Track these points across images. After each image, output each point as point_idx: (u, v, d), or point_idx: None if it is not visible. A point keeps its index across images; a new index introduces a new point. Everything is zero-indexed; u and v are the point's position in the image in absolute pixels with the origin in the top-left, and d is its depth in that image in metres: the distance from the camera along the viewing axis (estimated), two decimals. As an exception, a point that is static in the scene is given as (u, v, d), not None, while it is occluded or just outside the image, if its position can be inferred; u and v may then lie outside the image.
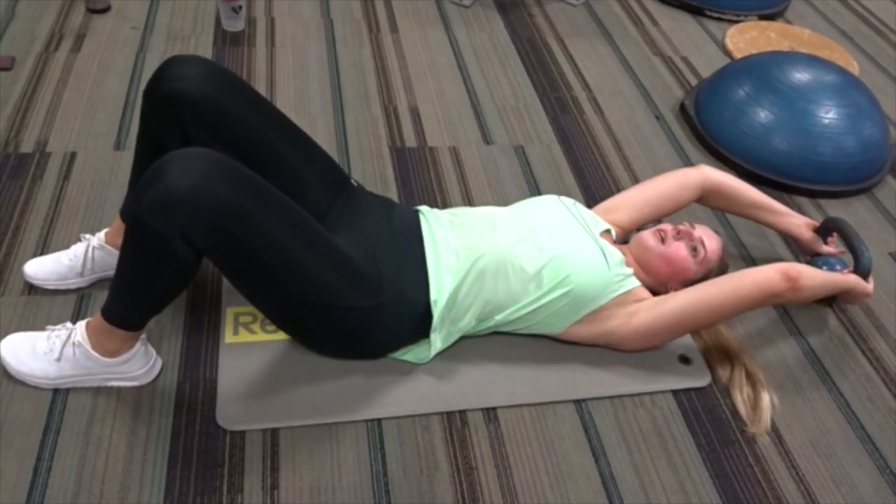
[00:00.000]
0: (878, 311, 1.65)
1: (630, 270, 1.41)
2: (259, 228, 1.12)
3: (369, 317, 1.26)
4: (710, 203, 1.64)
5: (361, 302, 1.24)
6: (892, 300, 1.68)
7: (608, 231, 1.49)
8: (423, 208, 1.45)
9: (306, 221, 1.19)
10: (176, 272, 1.15)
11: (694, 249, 1.42)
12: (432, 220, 1.41)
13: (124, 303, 1.19)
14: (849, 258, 1.58)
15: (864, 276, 1.51)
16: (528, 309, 1.35)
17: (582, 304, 1.35)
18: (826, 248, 1.63)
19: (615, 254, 1.39)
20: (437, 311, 1.30)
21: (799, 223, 1.64)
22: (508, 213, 1.45)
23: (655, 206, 1.57)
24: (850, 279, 1.47)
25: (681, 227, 1.44)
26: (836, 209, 1.93)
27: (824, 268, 1.53)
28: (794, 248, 1.77)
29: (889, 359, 1.55)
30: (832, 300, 1.56)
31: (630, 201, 1.56)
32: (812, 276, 1.38)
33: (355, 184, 1.45)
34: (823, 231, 1.63)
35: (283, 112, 1.36)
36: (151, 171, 1.08)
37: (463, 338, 1.40)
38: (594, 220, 1.47)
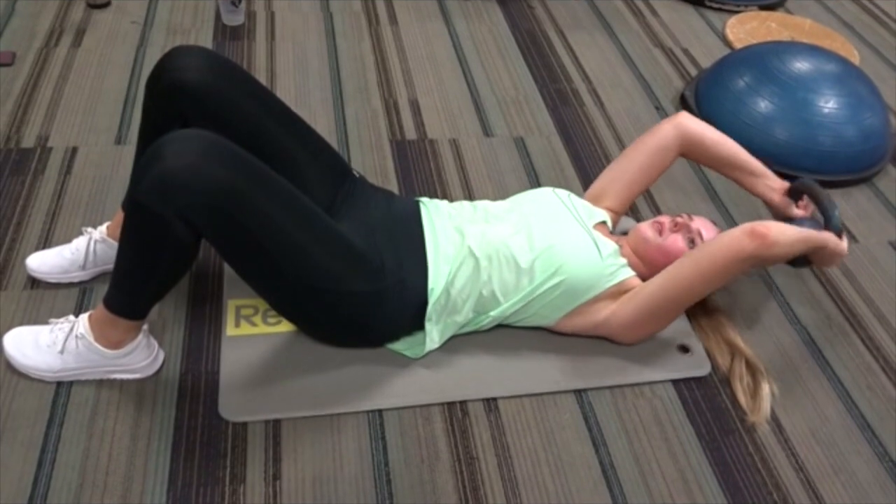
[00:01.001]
0: (879, 300, 1.65)
1: (624, 261, 1.41)
2: (256, 209, 1.12)
3: (370, 302, 1.27)
4: (686, 156, 1.58)
5: (362, 287, 1.25)
6: (892, 289, 1.68)
7: (604, 222, 1.49)
8: (424, 199, 1.46)
9: (305, 205, 1.19)
10: (176, 254, 1.16)
11: (692, 241, 1.42)
12: (433, 211, 1.41)
13: (126, 290, 1.20)
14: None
15: (837, 236, 1.44)
16: (523, 302, 1.35)
17: (575, 294, 1.35)
18: (797, 212, 1.55)
19: (608, 245, 1.39)
20: (432, 300, 1.30)
21: (774, 187, 1.56)
22: (503, 205, 1.46)
23: (641, 182, 1.55)
24: (823, 235, 1.40)
25: (678, 220, 1.44)
26: (837, 198, 1.93)
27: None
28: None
29: (889, 347, 1.55)
30: (808, 262, 1.47)
31: (614, 185, 1.55)
32: (783, 231, 1.32)
33: (357, 175, 1.46)
34: (794, 194, 1.57)
35: (284, 104, 1.37)
36: (149, 153, 1.09)
37: (461, 333, 1.40)
38: (588, 212, 1.47)
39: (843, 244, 1.44)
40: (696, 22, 2.64)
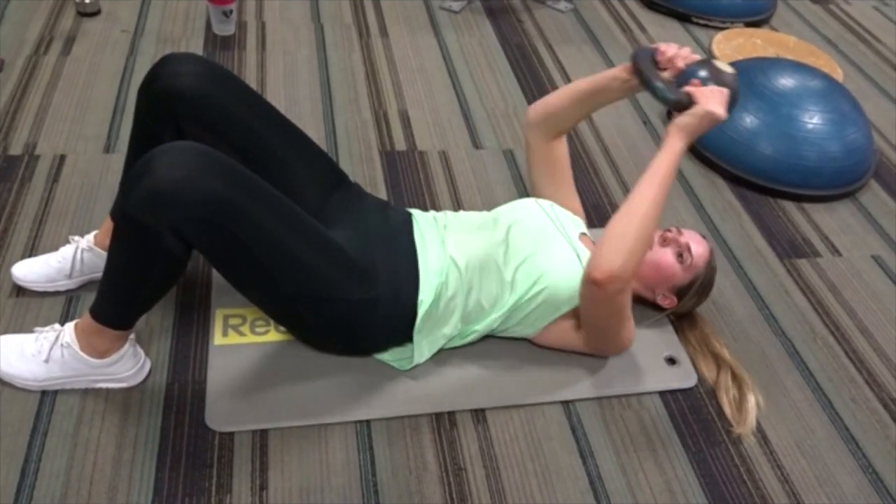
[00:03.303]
0: (862, 313, 1.67)
1: None
2: (249, 220, 1.12)
3: (362, 310, 1.27)
4: (559, 133, 1.50)
5: (355, 294, 1.25)
6: (875, 303, 1.71)
7: (586, 234, 1.50)
8: (415, 211, 1.46)
9: (298, 214, 1.19)
10: (166, 267, 1.16)
11: (680, 255, 1.43)
12: (423, 223, 1.42)
13: (114, 300, 1.19)
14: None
15: (681, 105, 1.24)
16: (508, 312, 1.36)
17: (556, 305, 1.35)
18: (664, 76, 1.31)
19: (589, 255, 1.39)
20: (421, 312, 1.30)
21: (626, 77, 1.35)
22: (488, 216, 1.47)
23: (561, 184, 1.54)
24: (676, 138, 1.24)
25: (667, 234, 1.45)
26: (821, 213, 1.96)
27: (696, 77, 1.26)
28: (771, 240, 1.80)
29: (872, 360, 1.57)
30: (686, 107, 1.24)
31: (544, 192, 1.56)
32: (617, 253, 1.18)
33: (353, 182, 1.46)
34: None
35: (274, 114, 1.37)
36: (140, 165, 1.08)
37: (449, 347, 1.40)
38: (572, 222, 1.48)
39: (704, 104, 1.22)
40: (683, 38, 2.67)
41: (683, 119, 1.24)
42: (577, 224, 1.49)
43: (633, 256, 1.21)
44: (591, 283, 1.22)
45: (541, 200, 1.50)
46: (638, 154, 2.06)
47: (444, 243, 1.37)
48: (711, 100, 1.23)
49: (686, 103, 1.24)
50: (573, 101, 1.46)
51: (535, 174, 1.57)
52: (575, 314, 1.38)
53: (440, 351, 1.40)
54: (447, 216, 1.46)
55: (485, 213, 1.50)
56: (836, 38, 2.82)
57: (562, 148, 1.54)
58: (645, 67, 1.29)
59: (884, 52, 2.78)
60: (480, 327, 1.38)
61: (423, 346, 1.35)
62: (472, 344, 1.43)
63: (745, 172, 2.00)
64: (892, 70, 2.67)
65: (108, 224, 1.40)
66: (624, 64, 1.36)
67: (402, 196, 1.80)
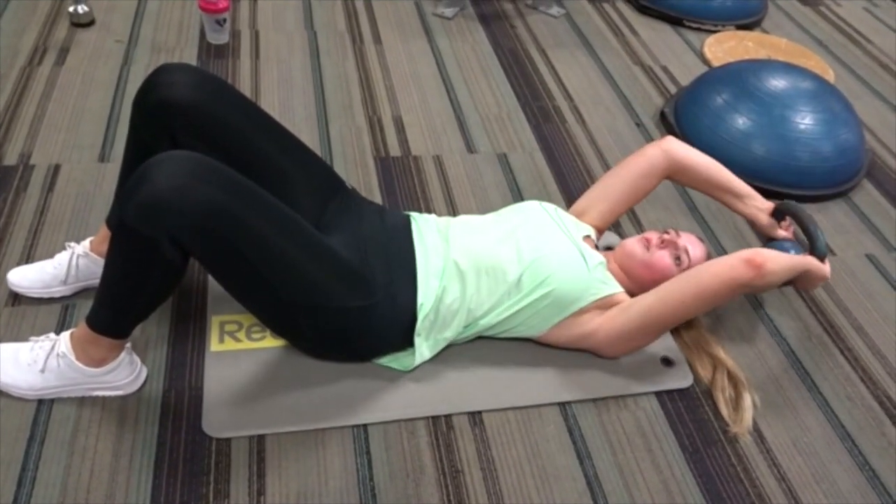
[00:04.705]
0: (856, 311, 1.68)
1: (610, 275, 1.42)
2: (246, 228, 1.12)
3: (360, 318, 1.27)
4: (672, 179, 1.60)
5: (352, 302, 1.25)
6: (869, 300, 1.71)
7: (589, 236, 1.51)
8: (414, 214, 1.47)
9: (295, 222, 1.19)
10: (164, 275, 1.16)
11: (678, 258, 1.43)
12: (423, 225, 1.42)
13: (111, 309, 1.19)
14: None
15: (820, 260, 1.46)
16: (511, 311, 1.36)
17: (563, 306, 1.36)
18: (781, 233, 1.58)
19: (595, 257, 1.40)
20: (421, 315, 1.31)
21: (760, 207, 1.59)
22: (491, 218, 1.47)
23: (625, 203, 1.57)
24: (808, 260, 1.42)
25: (665, 237, 1.46)
26: (814, 213, 1.95)
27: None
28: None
29: (867, 357, 1.57)
30: (789, 283, 1.47)
31: (599, 204, 1.56)
32: (775, 260, 1.33)
33: (350, 187, 1.47)
34: (778, 215, 1.59)
35: (269, 120, 1.38)
36: (137, 174, 1.08)
37: (449, 345, 1.41)
38: (576, 225, 1.49)
39: (826, 268, 1.46)
40: (675, 41, 2.68)
41: (817, 264, 1.44)
42: (582, 228, 1.50)
43: (775, 276, 1.34)
44: (747, 259, 1.30)
45: (545, 203, 1.51)
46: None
47: (447, 246, 1.37)
48: (824, 270, 1.47)
49: (823, 258, 1.48)
50: (708, 180, 1.59)
51: (615, 177, 1.57)
52: (583, 313, 1.38)
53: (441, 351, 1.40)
54: (449, 219, 1.47)
55: (488, 215, 1.50)
56: (826, 40, 2.84)
57: (657, 183, 1.58)
58: (808, 220, 1.52)
59: (874, 52, 2.80)
60: (483, 323, 1.38)
61: (423, 349, 1.35)
62: (470, 344, 1.43)
63: (738, 173, 1.98)
64: (882, 70, 2.69)
65: (105, 231, 1.41)
66: (768, 201, 1.60)
67: (398, 201, 1.81)
